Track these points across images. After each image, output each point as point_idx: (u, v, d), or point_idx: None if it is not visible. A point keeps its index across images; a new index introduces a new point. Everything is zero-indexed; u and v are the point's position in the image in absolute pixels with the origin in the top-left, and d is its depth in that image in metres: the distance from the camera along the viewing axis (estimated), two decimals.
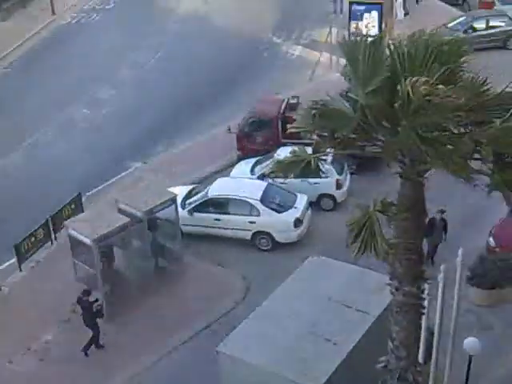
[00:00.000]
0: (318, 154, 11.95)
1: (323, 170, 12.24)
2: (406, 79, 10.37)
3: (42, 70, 32.68)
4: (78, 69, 32.38)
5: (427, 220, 14.97)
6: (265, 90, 28.50)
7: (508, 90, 11.18)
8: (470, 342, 14.21)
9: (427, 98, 10.11)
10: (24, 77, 32.16)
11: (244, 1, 38.35)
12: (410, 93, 10.15)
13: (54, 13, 39.25)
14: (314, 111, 11.48)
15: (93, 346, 17.76)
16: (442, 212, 17.30)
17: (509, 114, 10.99)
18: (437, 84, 10.24)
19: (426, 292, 12.68)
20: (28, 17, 38.85)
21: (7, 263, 20.24)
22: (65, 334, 18.10)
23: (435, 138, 10.64)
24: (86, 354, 17.65)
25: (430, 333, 14.09)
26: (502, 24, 32.74)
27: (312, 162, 11.76)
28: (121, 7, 40.06)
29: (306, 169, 11.84)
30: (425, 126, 10.56)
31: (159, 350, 17.66)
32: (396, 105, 10.45)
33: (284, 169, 12.13)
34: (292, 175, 12.20)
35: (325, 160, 12.30)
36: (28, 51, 35.27)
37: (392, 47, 10.96)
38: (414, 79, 10.23)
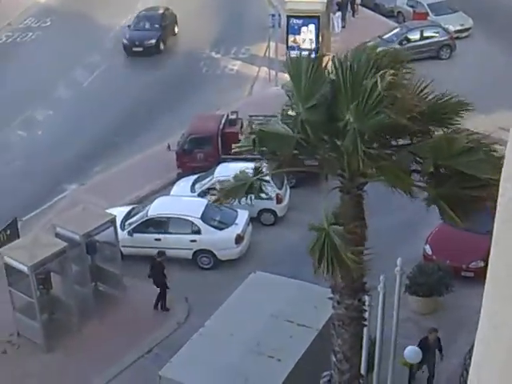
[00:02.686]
0: (259, 175, 12.08)
1: (266, 190, 12.36)
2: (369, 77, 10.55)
3: None
4: (13, 89, 31.79)
5: (419, 340, 15.31)
6: (204, 106, 28.38)
7: (444, 99, 11.39)
8: (411, 351, 14.27)
9: (391, 91, 10.28)
10: None
11: (182, 17, 38.24)
12: (378, 82, 10.25)
13: None
14: (253, 136, 11.62)
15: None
16: (436, 331, 15.76)
17: (452, 128, 11.30)
18: (401, 79, 10.58)
19: (366, 303, 12.65)
20: None
21: None
22: (2, 367, 17.51)
23: (377, 152, 10.78)
24: (160, 308, 18.90)
25: (372, 343, 14.08)
26: (436, 35, 33.36)
27: (255, 184, 11.93)
28: (57, 25, 39.67)
29: (250, 192, 12.00)
30: (375, 130, 10.66)
31: (102, 376, 17.20)
32: (351, 106, 10.51)
33: (228, 194, 12.15)
34: (236, 200, 12.24)
35: (267, 181, 12.38)
36: None
37: (335, 61, 11.06)
38: (383, 71, 10.44)
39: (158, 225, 20.90)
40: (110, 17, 39.13)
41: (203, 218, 20.67)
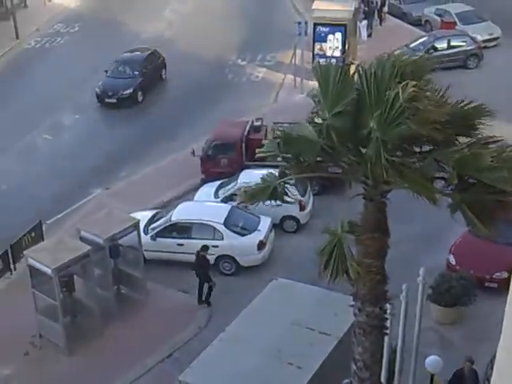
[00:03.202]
0: (283, 179, 12.08)
1: (290, 194, 12.33)
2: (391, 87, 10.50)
3: (4, 95, 32.41)
4: (41, 93, 32.24)
5: (454, 372, 15.02)
6: (229, 112, 28.47)
7: (469, 107, 11.36)
8: (432, 361, 14.14)
9: (414, 102, 10.27)
10: None
11: (209, 24, 38.51)
12: (400, 93, 10.27)
13: (17, 37, 39.15)
14: (277, 140, 11.70)
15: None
16: (472, 362, 15.04)
17: (476, 139, 11.27)
18: (424, 90, 10.53)
19: (388, 312, 12.59)
20: None
21: None
22: (24, 368, 17.63)
23: (400, 160, 10.76)
24: (204, 301, 19.18)
25: (393, 352, 13.98)
26: (463, 44, 33.16)
27: (278, 188, 11.96)
28: (86, 30, 40.07)
29: (273, 195, 12.02)
30: (398, 139, 10.64)
31: (122, 379, 17.27)
32: (375, 115, 10.53)
33: (252, 196, 12.16)
34: (260, 202, 12.28)
35: (291, 185, 12.38)
36: None
37: (360, 69, 11.11)
38: (405, 82, 10.43)
39: (181, 230, 20.96)
40: (137, 23, 39.46)
41: (226, 223, 20.69)
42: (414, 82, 10.45)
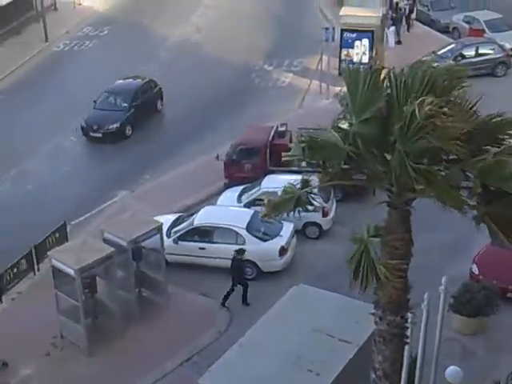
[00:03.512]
0: (307, 188, 12.05)
1: (315, 203, 12.30)
2: (409, 102, 10.43)
3: (33, 97, 32.74)
4: (69, 95, 32.51)
5: None
6: (254, 117, 28.51)
7: (497, 118, 11.25)
8: (452, 371, 14.01)
9: (431, 119, 10.15)
10: (14, 104, 32.21)
11: (237, 29, 38.63)
12: (416, 111, 10.19)
13: (47, 40, 39.58)
14: (303, 145, 11.59)
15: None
16: None
17: (502, 147, 11.12)
18: (442, 106, 10.31)
19: (409, 320, 12.49)
20: (21, 44, 39.17)
21: None
22: (45, 369, 17.76)
23: (426, 168, 10.64)
24: (247, 304, 19.36)
25: (413, 361, 13.87)
26: (492, 52, 32.88)
27: (303, 198, 11.91)
28: (114, 34, 40.38)
29: (298, 205, 11.97)
30: (420, 151, 10.56)
31: (141, 382, 17.33)
32: (395, 128, 10.45)
33: (275, 208, 12.11)
34: (285, 214, 12.24)
35: (315, 194, 12.34)
36: (20, 78, 35.46)
37: (391, 76, 11.02)
38: (421, 99, 10.30)
39: (204, 234, 21.02)
40: (165, 27, 39.66)
41: (248, 228, 20.70)
42: (431, 99, 10.28)
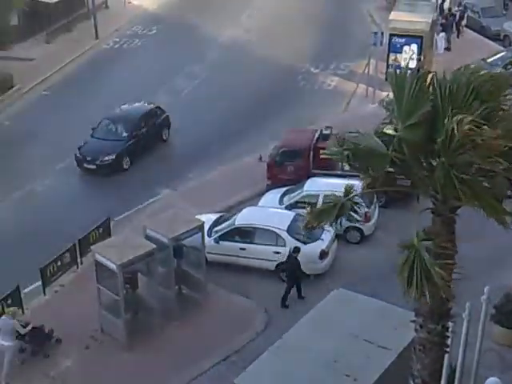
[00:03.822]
0: (350, 196, 11.99)
1: (358, 211, 12.21)
2: (450, 115, 10.36)
3: (81, 94, 33.29)
4: (116, 93, 32.89)
5: None
6: (299, 120, 28.50)
7: None
8: (491, 383, 13.79)
9: (471, 137, 10.07)
10: (61, 100, 32.81)
11: (285, 31, 38.68)
12: (455, 130, 10.13)
13: (97, 37, 40.15)
14: (346, 152, 11.49)
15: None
16: None
17: None
18: (482, 124, 10.21)
19: (450, 329, 12.36)
20: (71, 40, 39.79)
21: (32, 286, 20.22)
22: (84, 361, 17.99)
23: (471, 178, 10.54)
24: (286, 306, 19.36)
25: (452, 371, 13.71)
26: None
27: (345, 205, 11.84)
28: (163, 33, 40.79)
29: (340, 213, 11.88)
30: (465, 163, 10.46)
31: (178, 379, 17.45)
32: (438, 140, 10.39)
33: (318, 217, 12.02)
34: (327, 223, 12.15)
35: (358, 202, 12.25)
36: (68, 75, 36.06)
37: (435, 81, 10.93)
38: (460, 117, 10.20)
39: (244, 234, 21.07)
40: (213, 27, 39.88)
41: (289, 230, 20.68)
42: (470, 118, 10.16)
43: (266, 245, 20.65)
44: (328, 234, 20.78)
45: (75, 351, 18.20)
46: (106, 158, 26.68)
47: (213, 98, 32.04)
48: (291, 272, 19.64)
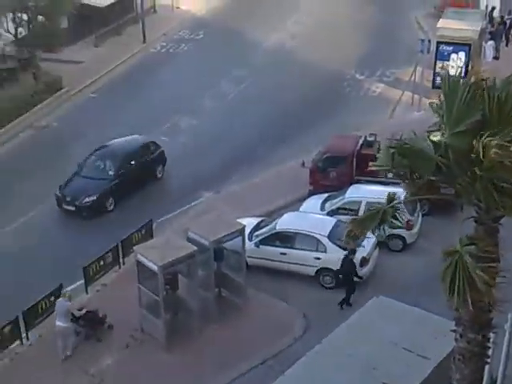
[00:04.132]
0: (393, 203, 11.93)
1: (400, 219, 12.11)
2: (478, 139, 10.33)
3: (127, 97, 33.68)
4: (162, 96, 33.25)
5: None
6: (343, 126, 28.41)
7: None
8: None
9: (499, 159, 10.06)
10: (108, 102, 33.24)
11: (331, 37, 38.59)
12: (481, 154, 10.18)
13: (144, 41, 40.59)
14: (392, 150, 11.45)
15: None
16: None
17: None
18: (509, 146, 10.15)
19: (491, 340, 12.17)
20: (120, 44, 40.25)
21: (75, 285, 20.52)
22: (123, 360, 18.19)
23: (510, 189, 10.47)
24: (345, 304, 19.32)
25: (493, 382, 13.50)
26: None
27: (388, 213, 11.76)
28: (210, 38, 41.05)
29: (383, 221, 11.79)
30: (499, 179, 10.42)
31: (215, 381, 17.53)
32: (472, 156, 10.37)
33: (360, 225, 11.97)
34: (370, 231, 12.11)
35: (400, 209, 12.17)
36: (115, 78, 36.50)
37: (484, 89, 10.84)
38: (487, 140, 10.19)
39: (285, 239, 21.07)
40: (260, 32, 39.99)
41: (330, 236, 20.62)
42: (496, 142, 10.11)
43: (306, 250, 20.63)
44: (369, 241, 20.65)
45: (115, 349, 18.44)
46: (87, 200, 24.51)
47: (258, 102, 32.12)
48: (347, 274, 19.53)
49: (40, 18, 34.89)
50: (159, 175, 26.87)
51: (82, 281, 20.43)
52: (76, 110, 33.12)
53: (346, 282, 19.60)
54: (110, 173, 25.35)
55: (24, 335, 18.72)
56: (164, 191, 26.37)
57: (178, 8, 46.34)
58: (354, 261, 19.61)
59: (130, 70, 37.43)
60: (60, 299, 18.45)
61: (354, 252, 19.56)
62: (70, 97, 34.36)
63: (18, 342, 18.59)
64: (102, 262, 20.95)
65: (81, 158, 26.51)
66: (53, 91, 33.87)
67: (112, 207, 24.92)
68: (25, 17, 34.37)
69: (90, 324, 18.78)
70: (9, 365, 18.16)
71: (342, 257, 19.60)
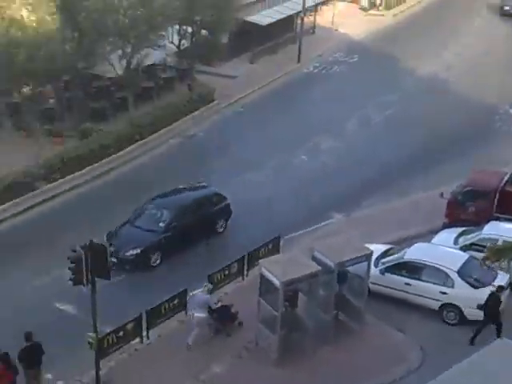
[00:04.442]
0: None
1: None
2: None
3: (274, 113, 34.24)
4: (308, 116, 33.57)
5: None
6: (489, 161, 27.41)
7: None
8: None
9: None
10: (253, 118, 33.90)
11: (489, 71, 37.54)
12: None
13: (299, 61, 41.13)
14: None
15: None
16: None
17: None
18: None
19: None
20: (274, 62, 41.02)
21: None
22: (235, 369, 18.35)
23: None
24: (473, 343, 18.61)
25: None
26: None
27: None
28: (363, 61, 41.02)
29: None
30: None
31: None
32: None
33: (497, 253, 11.59)
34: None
35: None
36: (265, 94, 37.23)
37: None
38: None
39: (412, 270, 20.53)
40: (414, 60, 39.60)
41: (460, 272, 19.89)
42: None
43: (433, 283, 20.02)
44: (502, 280, 19.65)
45: (228, 358, 18.65)
46: (130, 253, 22.39)
47: (401, 130, 31.70)
48: (492, 310, 18.75)
49: (203, 31, 36.31)
50: (220, 230, 24.54)
51: None
52: (223, 122, 34.04)
53: (491, 318, 18.79)
54: (161, 224, 23.16)
55: (145, 333, 19.33)
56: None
57: (336, 30, 46.67)
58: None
59: (280, 87, 38.07)
60: (199, 292, 19.44)
61: (502, 288, 18.77)
62: (220, 109, 35.41)
63: (138, 339, 19.22)
64: (226, 272, 21.32)
65: (218, 170, 26.97)
66: (205, 103, 35.06)
67: (158, 262, 22.80)
68: (189, 29, 35.89)
69: (223, 318, 19.41)
70: (127, 360, 18.82)
71: (489, 293, 18.84)
